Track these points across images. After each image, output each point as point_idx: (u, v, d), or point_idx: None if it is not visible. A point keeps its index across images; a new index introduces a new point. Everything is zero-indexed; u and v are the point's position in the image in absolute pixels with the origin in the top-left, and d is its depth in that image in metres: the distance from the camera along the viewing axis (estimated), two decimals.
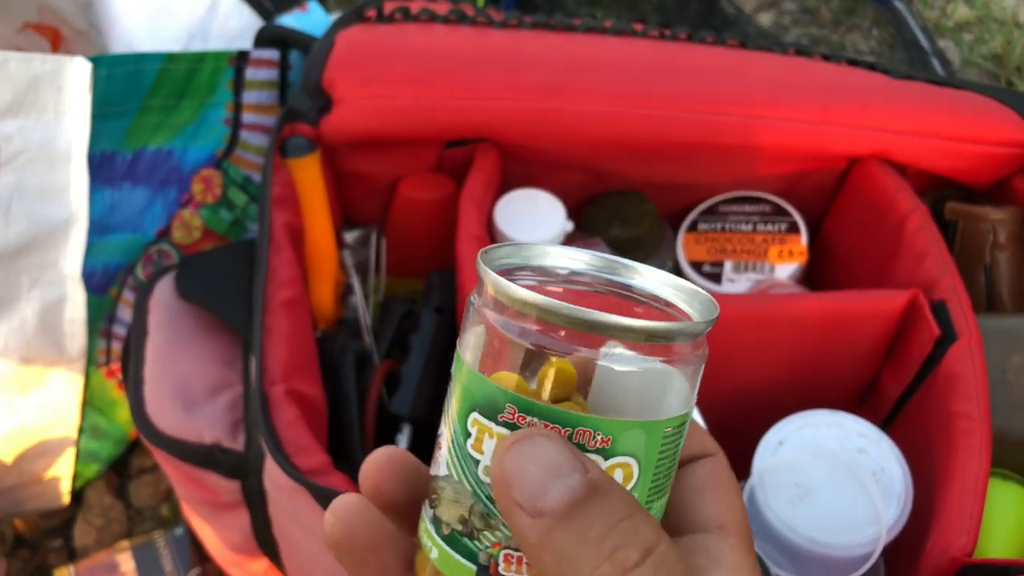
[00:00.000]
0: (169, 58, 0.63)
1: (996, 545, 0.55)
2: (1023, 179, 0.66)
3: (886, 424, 0.63)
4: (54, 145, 0.57)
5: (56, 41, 0.89)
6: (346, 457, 0.62)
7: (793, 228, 0.69)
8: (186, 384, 0.58)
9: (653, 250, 0.71)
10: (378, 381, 0.64)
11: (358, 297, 0.68)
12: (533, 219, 0.67)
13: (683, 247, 0.71)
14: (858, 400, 0.66)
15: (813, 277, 0.73)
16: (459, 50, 0.66)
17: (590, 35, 0.68)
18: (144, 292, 0.62)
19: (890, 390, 0.62)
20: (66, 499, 0.75)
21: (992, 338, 0.58)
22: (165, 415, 0.57)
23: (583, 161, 0.69)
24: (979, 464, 0.53)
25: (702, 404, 0.56)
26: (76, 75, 0.56)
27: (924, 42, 1.01)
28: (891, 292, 0.60)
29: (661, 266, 0.72)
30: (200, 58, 0.65)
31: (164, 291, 0.63)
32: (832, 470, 0.55)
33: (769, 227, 0.70)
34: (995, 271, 0.66)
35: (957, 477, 0.53)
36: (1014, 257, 0.65)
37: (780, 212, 0.70)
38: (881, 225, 0.64)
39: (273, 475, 0.53)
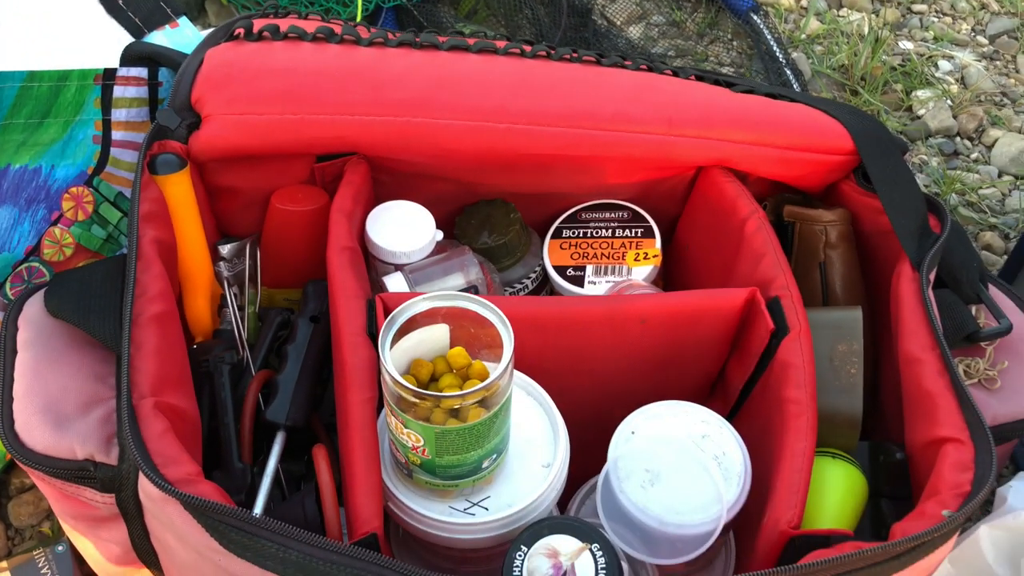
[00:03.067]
0: (30, 76, 0.63)
1: (826, 518, 0.61)
2: (849, 184, 0.72)
3: (734, 412, 0.68)
4: None
5: None
6: (223, 466, 0.64)
7: (648, 233, 0.74)
8: (57, 400, 0.59)
9: (521, 256, 0.75)
10: (254, 391, 0.66)
11: (232, 308, 0.70)
12: (403, 229, 0.70)
13: (548, 253, 0.75)
14: (709, 390, 0.71)
15: (668, 277, 0.78)
16: (326, 67, 0.68)
17: (453, 53, 0.71)
18: (13, 310, 0.62)
19: (735, 380, 0.68)
20: None
21: (820, 329, 0.64)
22: (34, 432, 0.57)
23: (450, 172, 0.72)
24: (805, 444, 0.58)
25: (561, 398, 0.61)
26: None
27: (779, 53, 1.08)
28: (731, 291, 0.65)
29: (529, 271, 0.76)
30: (64, 76, 0.65)
31: (33, 308, 0.63)
32: (679, 456, 0.59)
33: (627, 232, 0.74)
34: (829, 268, 0.72)
35: (787, 457, 0.58)
36: (844, 255, 0.72)
37: (637, 218, 0.75)
38: (724, 228, 0.70)
39: (145, 486, 0.54)
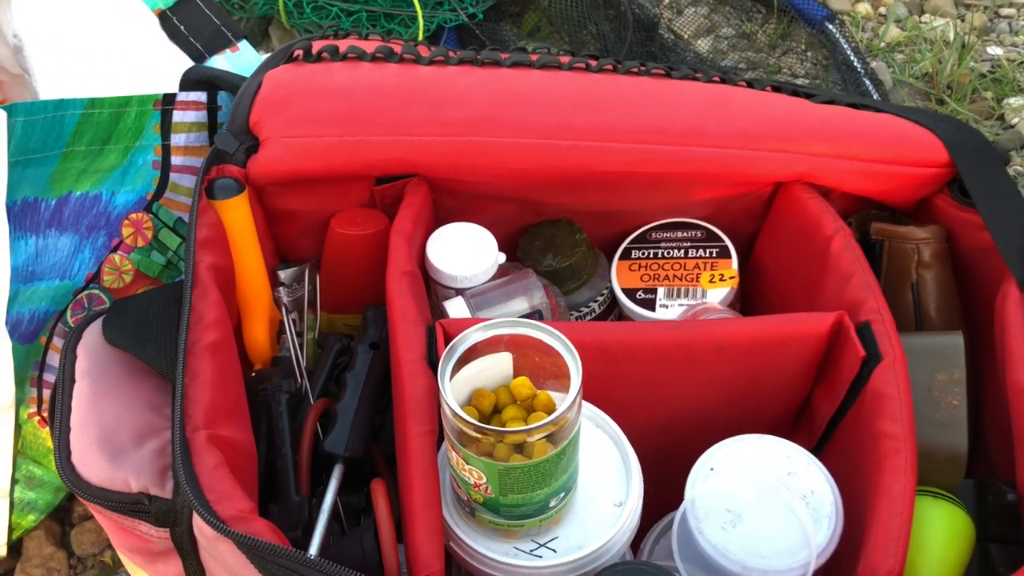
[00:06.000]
0: (91, 103, 0.63)
1: (928, 565, 0.56)
2: (944, 198, 0.67)
3: (820, 445, 0.64)
4: None
5: None
6: (280, 499, 0.62)
7: (724, 253, 0.70)
8: (113, 431, 0.57)
9: (587, 279, 0.72)
10: (311, 421, 0.63)
11: (290, 335, 0.68)
12: (465, 252, 0.67)
13: (616, 275, 0.71)
14: (793, 422, 0.67)
15: (746, 300, 0.74)
16: (385, 87, 0.66)
17: (516, 69, 0.69)
18: (72, 338, 0.62)
19: (822, 411, 0.63)
20: (2, 551, 0.74)
21: (917, 357, 0.59)
22: (90, 464, 0.56)
23: (513, 192, 0.69)
24: (905, 484, 0.53)
25: (633, 431, 0.57)
26: None
27: (857, 63, 1.03)
28: (816, 315, 0.60)
29: (596, 294, 0.73)
30: (124, 102, 0.65)
31: (92, 336, 0.62)
32: (762, 494, 0.55)
33: (700, 252, 0.70)
34: (922, 289, 0.67)
35: (884, 498, 0.53)
36: (939, 275, 0.67)
37: (711, 237, 0.71)
38: (807, 247, 0.65)
39: (199, 522, 0.52)
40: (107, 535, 0.78)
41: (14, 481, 0.69)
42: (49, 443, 0.72)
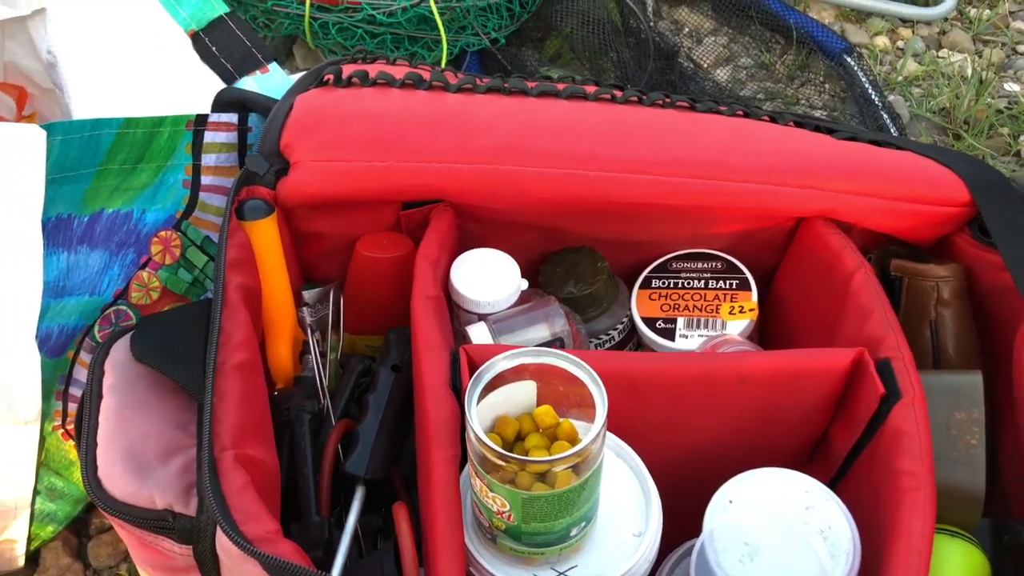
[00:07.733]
0: (127, 123, 0.64)
1: None
2: (964, 237, 0.67)
3: (836, 480, 0.64)
4: (6, 212, 0.57)
5: (22, 99, 0.90)
6: (300, 518, 0.62)
7: (744, 285, 0.71)
8: (139, 447, 0.58)
9: (607, 307, 0.72)
10: (333, 442, 0.64)
11: (313, 355, 0.69)
12: (488, 278, 0.68)
13: (637, 304, 0.72)
14: (809, 456, 0.67)
15: (764, 333, 0.74)
16: (414, 114, 0.67)
17: (542, 99, 0.70)
18: (100, 354, 0.62)
19: (839, 447, 0.63)
20: (20, 561, 0.74)
21: (936, 395, 0.59)
22: (116, 479, 0.57)
23: (537, 220, 0.70)
24: (924, 522, 0.54)
25: (652, 460, 0.57)
26: (29, 143, 0.57)
27: (874, 96, 1.04)
28: (837, 351, 0.61)
29: (616, 322, 0.73)
30: (158, 122, 0.66)
31: (120, 353, 0.63)
32: (780, 528, 0.55)
33: (721, 284, 0.71)
34: (940, 327, 0.67)
35: (903, 535, 0.54)
36: (958, 313, 0.67)
37: (732, 269, 0.72)
38: (827, 283, 0.66)
39: (223, 541, 0.53)
40: (124, 548, 0.79)
41: (36, 492, 0.70)
42: (71, 455, 0.73)
